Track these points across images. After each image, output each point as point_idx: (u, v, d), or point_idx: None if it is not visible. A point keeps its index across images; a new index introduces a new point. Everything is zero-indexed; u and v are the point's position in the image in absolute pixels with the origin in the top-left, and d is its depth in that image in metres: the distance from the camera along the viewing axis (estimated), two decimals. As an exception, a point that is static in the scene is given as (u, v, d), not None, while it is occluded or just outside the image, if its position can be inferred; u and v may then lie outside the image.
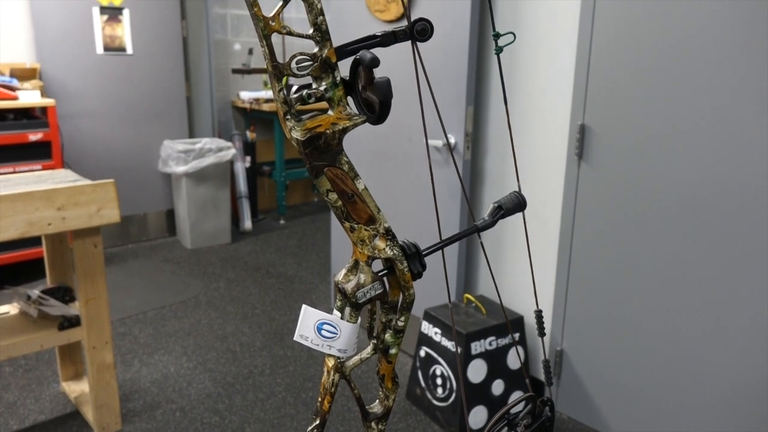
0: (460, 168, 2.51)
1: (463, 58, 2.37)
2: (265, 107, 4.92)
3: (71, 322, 2.17)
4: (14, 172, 3.42)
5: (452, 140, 2.47)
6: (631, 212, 2.09)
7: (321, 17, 0.57)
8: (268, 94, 5.18)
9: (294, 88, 0.60)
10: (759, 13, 1.68)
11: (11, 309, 2.27)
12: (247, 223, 4.91)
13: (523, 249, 2.48)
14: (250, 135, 5.15)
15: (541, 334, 0.79)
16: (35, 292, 2.26)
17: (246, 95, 5.16)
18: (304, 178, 5.53)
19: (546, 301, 2.42)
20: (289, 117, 0.58)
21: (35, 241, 3.19)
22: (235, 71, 5.11)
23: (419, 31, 0.60)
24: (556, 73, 2.25)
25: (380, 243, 0.64)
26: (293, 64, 0.57)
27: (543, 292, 2.43)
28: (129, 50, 4.30)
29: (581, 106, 2.17)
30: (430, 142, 2.56)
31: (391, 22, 2.64)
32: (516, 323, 2.44)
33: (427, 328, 2.41)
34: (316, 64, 0.58)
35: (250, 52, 5.20)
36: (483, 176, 2.59)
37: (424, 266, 0.66)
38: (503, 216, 0.69)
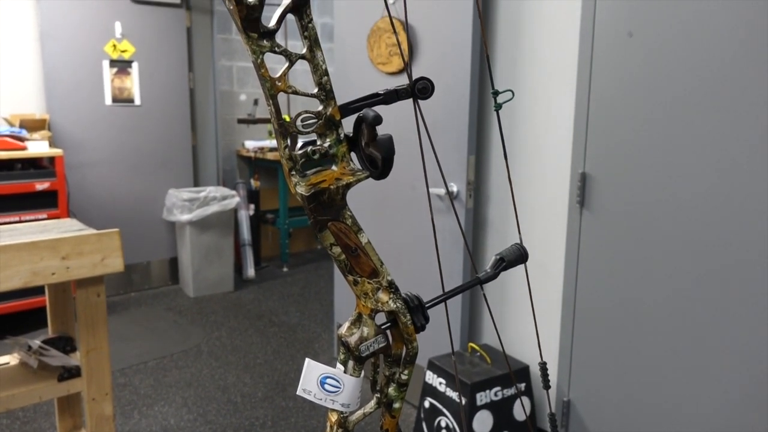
0: (462, 216, 2.53)
1: (463, 109, 2.41)
2: (270, 156, 4.98)
3: (71, 373, 2.14)
4: (20, 221, 3.45)
5: (454, 188, 2.50)
6: (634, 259, 2.09)
7: (325, 77, 0.59)
8: (273, 143, 5.26)
9: (299, 145, 0.61)
10: (756, 60, 1.72)
11: (11, 359, 2.25)
12: (250, 271, 4.90)
13: (527, 297, 2.46)
14: (254, 183, 5.20)
15: (546, 386, 0.78)
16: (36, 342, 2.24)
17: (251, 144, 5.24)
18: (307, 225, 5.56)
19: (552, 350, 2.39)
20: (294, 173, 0.60)
21: (38, 289, 3.19)
22: (241, 121, 5.21)
23: (420, 90, 0.62)
24: (555, 123, 2.29)
25: (383, 296, 0.64)
26: (298, 122, 0.59)
27: (548, 340, 2.40)
28: (137, 101, 4.39)
29: (581, 155, 2.19)
30: (432, 190, 2.58)
31: (393, 74, 2.71)
32: (522, 373, 2.40)
33: (432, 378, 2.37)
34: (320, 121, 0.60)
35: (256, 102, 5.30)
36: (486, 224, 2.60)
37: (427, 319, 0.66)
38: (505, 268, 0.70)
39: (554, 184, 2.31)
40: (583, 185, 2.20)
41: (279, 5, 0.58)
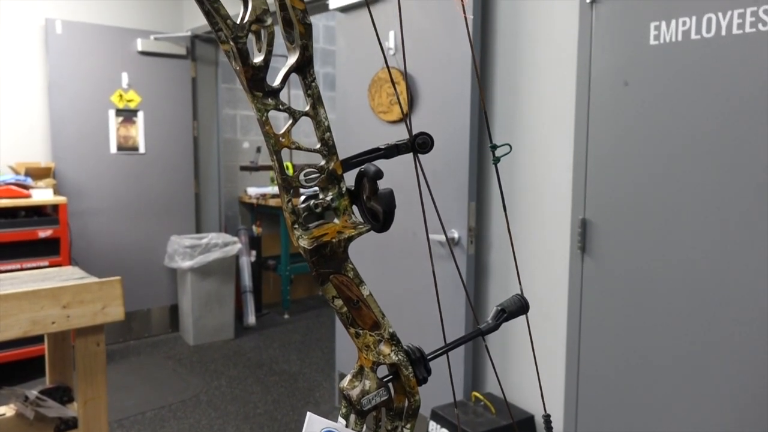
0: (464, 262, 2.53)
1: (464, 156, 2.44)
2: (272, 202, 5.01)
3: (68, 425, 2.11)
4: (21, 269, 3.45)
5: (456, 235, 2.50)
6: (638, 304, 2.08)
7: (328, 133, 0.61)
8: (275, 189, 5.30)
9: (302, 198, 0.63)
10: (750, 107, 1.75)
11: (8, 410, 2.22)
12: (251, 318, 4.86)
13: (530, 344, 2.44)
14: (256, 229, 5.21)
15: (551, 440, 0.77)
16: (33, 393, 2.21)
17: (253, 191, 5.29)
18: (309, 272, 5.54)
19: (557, 398, 2.35)
20: (296, 226, 0.61)
21: (36, 338, 3.16)
22: (243, 168, 5.26)
23: (420, 144, 0.64)
24: (555, 169, 2.31)
25: (385, 348, 0.64)
26: (301, 177, 0.60)
27: (553, 388, 2.36)
28: (141, 149, 4.45)
29: (581, 201, 2.21)
30: (433, 236, 2.59)
31: (394, 122, 2.75)
32: (526, 423, 2.35)
33: (435, 428, 2.33)
34: (323, 176, 0.61)
35: (258, 150, 5.37)
36: (487, 270, 2.59)
37: (429, 372, 0.66)
38: (506, 319, 0.70)
39: (555, 230, 2.32)
40: (584, 231, 2.21)
41: (281, 55, 0.60)
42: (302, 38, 0.58)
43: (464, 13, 0.62)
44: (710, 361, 1.89)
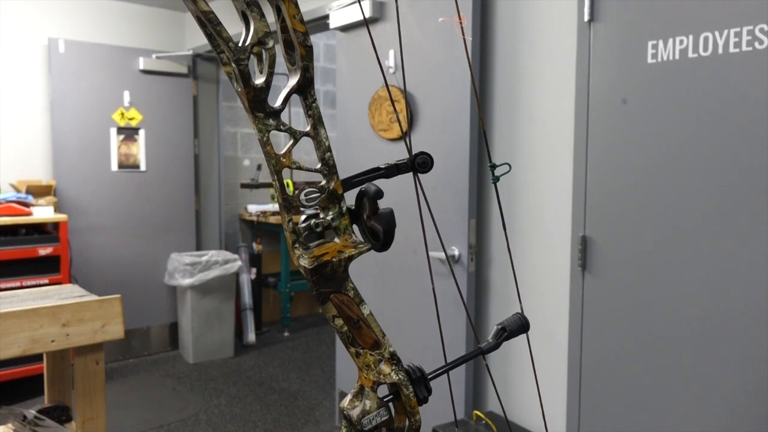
0: (464, 279, 2.52)
1: (463, 173, 2.45)
2: (272, 219, 5.02)
3: (66, 445, 2.09)
4: (21, 287, 3.45)
5: (456, 252, 2.50)
6: (640, 322, 2.07)
7: (328, 153, 0.61)
8: (275, 206, 5.31)
9: (302, 217, 0.63)
10: (752, 127, 1.76)
11: (6, 430, 2.20)
12: (251, 336, 4.84)
13: (531, 363, 2.42)
14: (256, 247, 5.21)
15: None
16: (31, 412, 2.20)
17: (253, 208, 5.29)
18: (309, 289, 5.53)
19: (559, 416, 2.33)
20: (297, 245, 0.61)
21: (35, 356, 3.15)
22: (244, 186, 5.27)
23: (420, 164, 0.64)
24: (555, 186, 2.32)
25: (385, 368, 0.64)
26: (302, 196, 0.61)
27: (555, 406, 2.35)
28: (142, 167, 4.47)
29: (581, 218, 2.21)
30: (434, 254, 2.58)
31: (394, 140, 2.77)
32: (528, 442, 2.33)
33: (436, 447, 2.31)
34: (323, 195, 0.62)
35: (259, 167, 5.39)
36: (488, 287, 2.59)
37: (429, 391, 0.65)
38: (507, 338, 0.70)
39: (556, 247, 2.32)
40: (585, 248, 2.21)
41: (282, 73, 0.61)
42: (303, 60, 0.58)
43: (463, 34, 0.62)
44: (713, 380, 1.88)
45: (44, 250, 3.70)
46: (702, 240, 1.89)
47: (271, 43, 0.58)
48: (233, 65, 0.56)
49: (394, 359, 0.64)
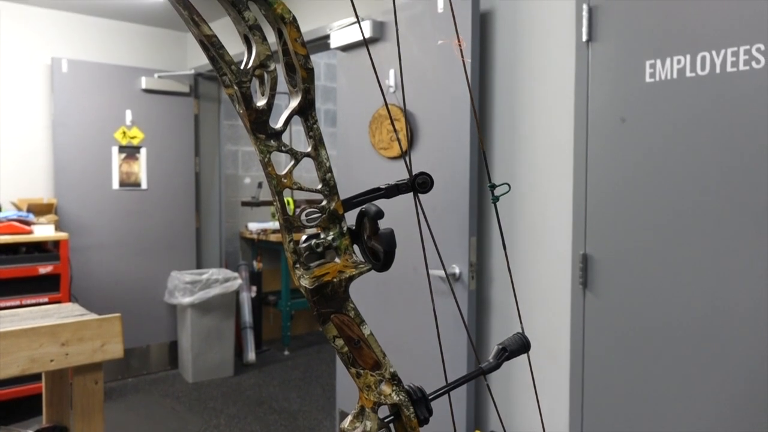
0: (465, 297, 2.51)
1: (464, 192, 2.45)
2: (273, 237, 5.02)
3: (64, 466, 2.07)
4: (21, 305, 3.44)
5: (457, 270, 2.50)
6: (642, 340, 2.06)
7: (329, 174, 0.62)
8: (276, 224, 5.31)
9: (303, 237, 0.63)
10: (749, 145, 1.77)
11: (3, 451, 2.18)
12: (251, 355, 4.81)
13: (533, 382, 2.41)
14: (256, 265, 5.20)
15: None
16: (29, 433, 2.18)
17: (254, 226, 5.30)
18: (309, 308, 5.51)
19: (561, 438, 2.31)
20: (298, 266, 0.61)
21: (34, 375, 3.13)
22: (245, 204, 5.28)
23: (420, 184, 0.65)
24: (555, 205, 2.32)
25: (386, 388, 0.64)
26: (303, 217, 0.61)
27: (557, 426, 2.33)
28: (143, 185, 4.48)
29: (582, 236, 2.21)
30: (434, 272, 2.58)
31: (394, 158, 2.78)
32: (530, 462, 2.31)
33: (437, 468, 2.28)
34: (324, 216, 0.62)
35: (260, 185, 5.40)
36: (489, 305, 2.58)
37: (430, 412, 0.65)
38: (508, 358, 0.70)
39: (556, 265, 2.32)
40: (585, 266, 2.21)
41: (283, 92, 0.61)
42: (305, 82, 0.59)
43: (462, 56, 0.63)
44: (716, 396, 1.87)
45: (44, 269, 3.69)
46: (703, 258, 1.88)
47: (272, 66, 0.58)
48: (235, 87, 0.57)
49: (394, 380, 0.64)
